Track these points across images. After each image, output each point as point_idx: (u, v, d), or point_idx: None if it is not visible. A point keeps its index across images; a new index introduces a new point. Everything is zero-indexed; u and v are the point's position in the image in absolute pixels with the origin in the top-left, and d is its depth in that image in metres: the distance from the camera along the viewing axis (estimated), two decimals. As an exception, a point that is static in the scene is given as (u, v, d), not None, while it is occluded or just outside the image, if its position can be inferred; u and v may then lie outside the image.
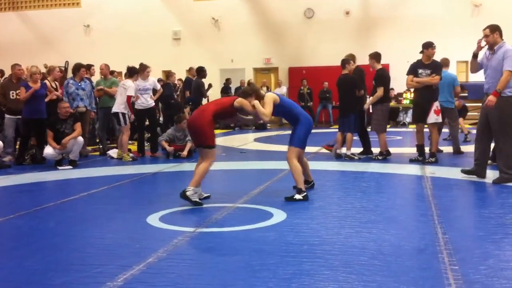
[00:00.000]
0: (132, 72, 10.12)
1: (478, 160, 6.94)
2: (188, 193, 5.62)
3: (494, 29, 6.64)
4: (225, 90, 19.52)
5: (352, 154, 9.18)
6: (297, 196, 5.79)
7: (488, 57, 6.77)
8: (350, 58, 9.52)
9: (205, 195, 6.01)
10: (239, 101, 5.85)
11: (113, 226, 4.94)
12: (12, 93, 9.63)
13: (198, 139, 5.88)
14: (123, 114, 9.70)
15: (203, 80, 12.17)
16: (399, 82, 15.68)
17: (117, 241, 4.41)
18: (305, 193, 5.83)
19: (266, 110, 5.82)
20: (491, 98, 6.51)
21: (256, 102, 5.83)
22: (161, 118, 13.17)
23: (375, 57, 9.19)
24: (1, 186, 7.38)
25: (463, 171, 7.09)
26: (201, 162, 5.93)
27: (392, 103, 15.98)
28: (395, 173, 7.83)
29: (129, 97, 9.71)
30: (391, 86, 10.38)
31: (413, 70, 8.47)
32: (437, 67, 8.39)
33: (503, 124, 6.59)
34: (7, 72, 11.75)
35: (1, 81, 11.85)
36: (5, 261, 3.93)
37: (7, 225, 5.09)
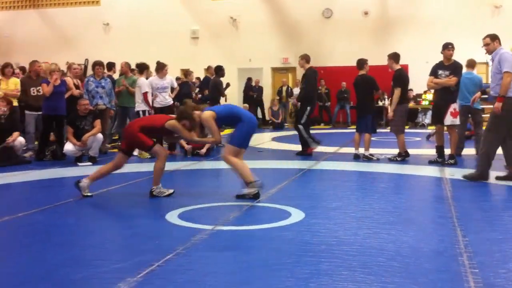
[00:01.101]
0: (141, 68, 10.31)
1: (509, 165, 6.94)
2: (154, 193, 6.02)
3: (494, 38, 6.93)
4: (249, 89, 19.53)
5: (371, 154, 9.14)
6: (246, 191, 5.63)
7: (492, 64, 7.00)
8: (305, 57, 10.21)
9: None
10: (171, 124, 5.84)
11: (132, 222, 4.98)
12: (33, 89, 9.76)
13: (132, 146, 6.22)
14: (143, 111, 9.83)
15: (221, 79, 12.20)
16: (417, 83, 15.63)
17: (136, 238, 4.44)
18: (257, 182, 5.68)
19: (214, 135, 5.84)
20: (497, 105, 6.67)
21: (196, 138, 5.99)
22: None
23: (393, 57, 9.14)
24: (22, 182, 7.48)
25: (498, 178, 6.96)
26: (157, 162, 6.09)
27: (411, 104, 15.86)
28: (413, 174, 7.79)
29: (145, 94, 9.81)
30: (409, 87, 10.32)
31: (434, 71, 8.45)
32: (456, 68, 8.32)
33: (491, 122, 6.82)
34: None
35: (19, 77, 11.99)
36: (24, 256, 3.98)
37: (27, 220, 5.15)
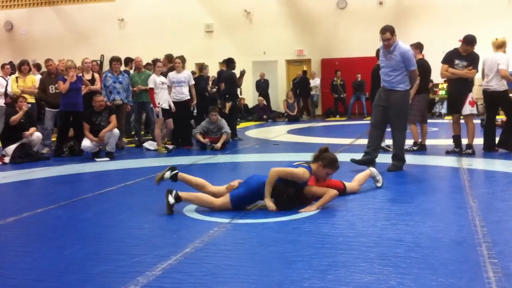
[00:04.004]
0: (154, 64, 10.53)
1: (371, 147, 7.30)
2: None
3: (393, 31, 7.01)
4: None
5: (387, 146, 9.08)
6: None
7: (387, 57, 7.06)
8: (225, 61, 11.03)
9: None
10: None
11: (150, 216, 5.01)
12: (51, 87, 9.89)
13: None
14: (151, 108, 9.91)
15: (233, 71, 12.20)
16: (434, 72, 15.47)
17: (154, 232, 4.48)
18: None
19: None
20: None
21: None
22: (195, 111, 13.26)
23: (418, 47, 9.08)
24: (41, 178, 7.57)
25: (353, 160, 7.26)
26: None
27: (427, 94, 15.69)
28: (431, 165, 7.74)
29: (150, 90, 9.84)
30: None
31: (449, 59, 8.33)
32: (475, 59, 8.21)
33: (399, 116, 7.04)
34: (43, 67, 12.05)
35: (37, 74, 12.14)
36: (45, 250, 4.03)
37: (47, 215, 5.22)
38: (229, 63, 12.14)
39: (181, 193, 5.06)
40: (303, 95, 19.66)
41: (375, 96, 7.49)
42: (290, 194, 4.99)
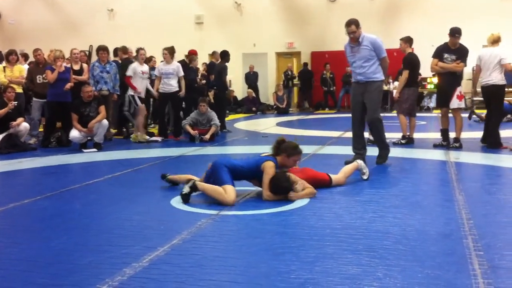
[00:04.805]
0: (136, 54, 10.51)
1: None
2: None
3: (358, 24, 7.02)
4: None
5: (368, 140, 9.10)
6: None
7: (354, 50, 7.07)
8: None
9: None
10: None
11: (138, 208, 5.00)
12: (39, 77, 9.80)
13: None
14: (132, 96, 9.91)
15: (226, 64, 12.18)
16: (423, 66, 15.52)
17: (142, 223, 4.46)
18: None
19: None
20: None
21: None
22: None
23: (408, 41, 9.13)
24: (27, 168, 7.52)
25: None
26: None
27: (416, 88, 15.74)
28: (419, 158, 7.78)
29: (127, 78, 9.92)
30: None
31: (439, 54, 8.37)
32: (463, 53, 8.26)
33: (375, 107, 7.06)
34: (31, 56, 11.97)
35: (24, 64, 12.05)
36: (32, 241, 4.01)
37: (33, 206, 5.18)
38: (224, 55, 12.13)
39: (198, 183, 5.15)
40: (304, 88, 19.72)
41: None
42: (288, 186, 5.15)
